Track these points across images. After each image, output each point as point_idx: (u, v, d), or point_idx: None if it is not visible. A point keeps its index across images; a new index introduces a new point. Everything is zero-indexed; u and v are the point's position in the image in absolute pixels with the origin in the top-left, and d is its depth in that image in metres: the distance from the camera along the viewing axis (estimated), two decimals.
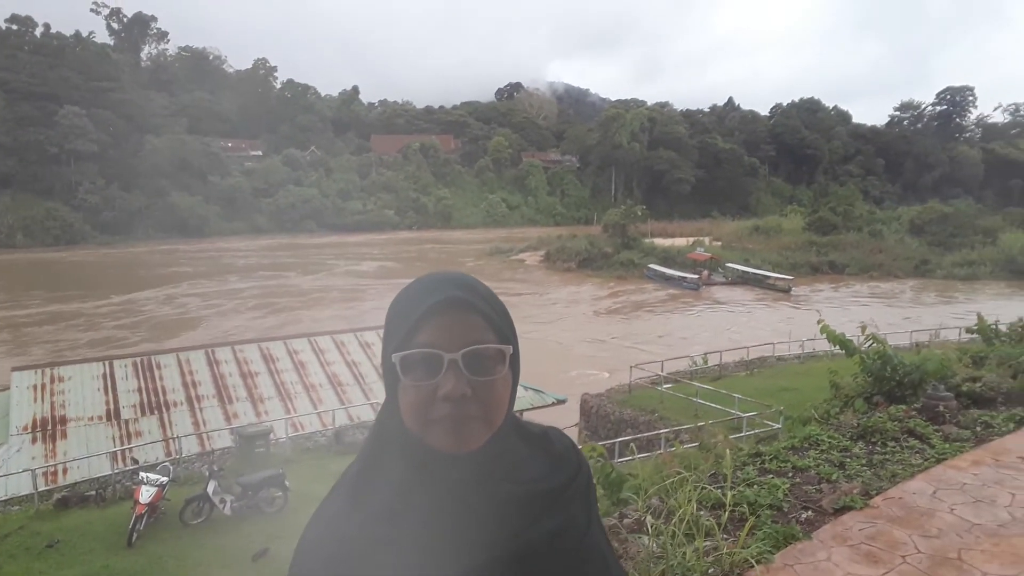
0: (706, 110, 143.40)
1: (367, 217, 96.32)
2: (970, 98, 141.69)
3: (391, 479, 1.01)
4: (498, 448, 1.02)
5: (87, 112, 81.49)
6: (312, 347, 20.37)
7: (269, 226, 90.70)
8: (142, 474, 11.42)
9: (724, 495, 4.69)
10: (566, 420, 20.60)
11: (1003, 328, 11.21)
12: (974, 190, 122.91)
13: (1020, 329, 10.69)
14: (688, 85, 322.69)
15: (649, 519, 4.27)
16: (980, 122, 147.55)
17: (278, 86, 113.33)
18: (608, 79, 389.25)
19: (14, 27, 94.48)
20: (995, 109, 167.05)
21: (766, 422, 15.71)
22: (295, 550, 1.05)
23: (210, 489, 11.22)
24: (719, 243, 69.10)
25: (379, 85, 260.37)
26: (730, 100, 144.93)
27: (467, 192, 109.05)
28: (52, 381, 17.21)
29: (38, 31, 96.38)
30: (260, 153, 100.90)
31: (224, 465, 12.88)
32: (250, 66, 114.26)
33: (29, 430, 15.77)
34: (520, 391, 20.38)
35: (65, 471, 14.44)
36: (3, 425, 16.05)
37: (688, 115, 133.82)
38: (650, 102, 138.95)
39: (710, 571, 3.86)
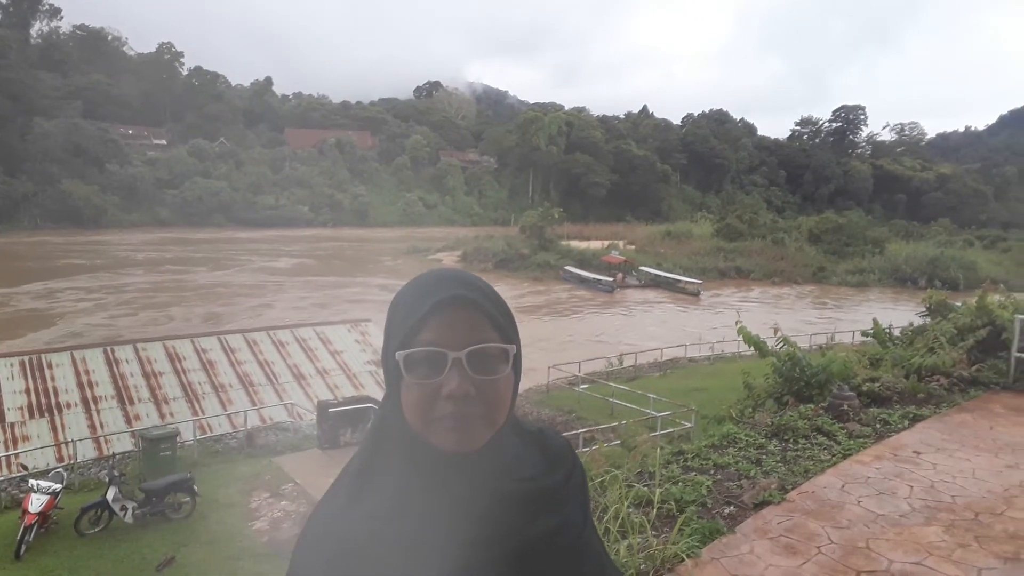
0: (621, 116, 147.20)
1: (280, 212, 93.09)
2: (861, 116, 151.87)
3: (391, 477, 1.01)
4: (498, 446, 1.02)
5: None
6: (222, 345, 19.54)
7: (173, 219, 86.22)
8: (32, 481, 10.61)
9: (652, 492, 4.80)
10: None
11: (896, 332, 12.03)
12: (864, 202, 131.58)
13: (911, 333, 11.50)
14: (604, 91, 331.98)
15: None
16: (870, 139, 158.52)
17: (185, 73, 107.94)
18: (527, 82, 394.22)
19: None
20: (883, 128, 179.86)
21: (680, 421, 16.23)
22: (294, 547, 1.03)
23: (110, 496, 10.54)
24: (633, 247, 70.90)
25: (294, 77, 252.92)
26: (644, 108, 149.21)
27: (384, 190, 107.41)
28: None
29: None
30: (164, 142, 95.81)
31: (125, 470, 12.14)
32: (154, 50, 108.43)
33: None
34: None
35: None
36: None
37: (604, 121, 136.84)
38: (568, 106, 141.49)
39: (642, 567, 3.94)
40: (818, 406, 7.72)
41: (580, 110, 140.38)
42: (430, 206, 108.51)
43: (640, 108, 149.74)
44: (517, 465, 1.06)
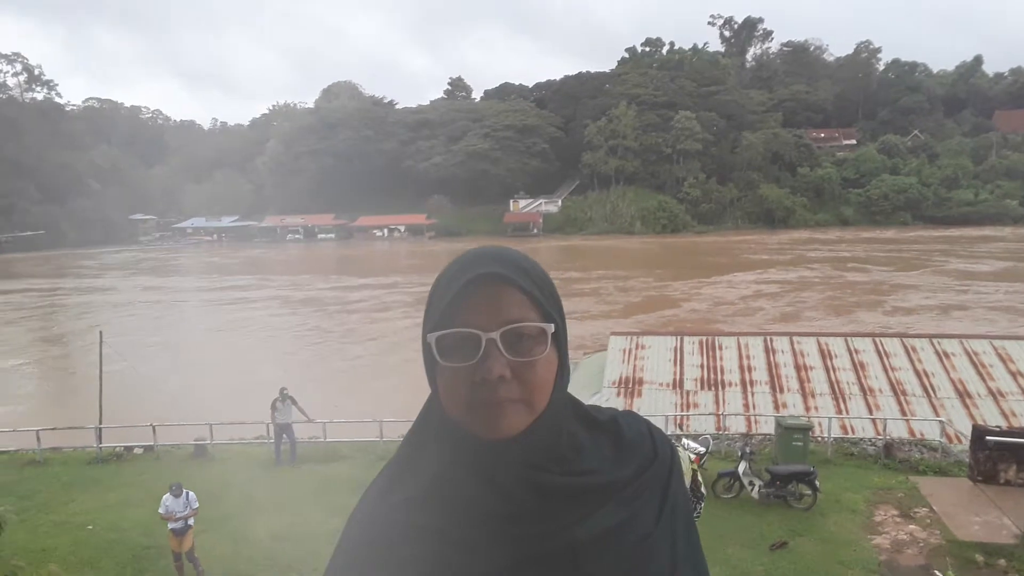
0: None
1: (979, 208, 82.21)
2: None
3: (431, 465, 0.98)
4: (547, 435, 0.95)
5: (696, 115, 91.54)
6: (876, 348, 18.84)
7: (856, 218, 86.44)
8: (684, 440, 12.62)
9: None
10: None
11: None
12: None
13: None
14: None
15: None
16: None
17: (880, 68, 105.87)
18: None
19: (647, 49, 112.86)
20: None
21: None
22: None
23: (740, 469, 11.67)
24: None
25: (1009, 52, 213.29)
26: None
27: None
28: (636, 347, 20.33)
29: (664, 49, 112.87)
30: (854, 142, 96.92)
31: (756, 450, 13.17)
32: (851, 51, 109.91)
33: (616, 385, 19.07)
34: None
35: None
36: (599, 378, 19.85)
37: None
38: None
39: None
40: None
41: None
42: None
43: None
44: (575, 456, 0.98)
